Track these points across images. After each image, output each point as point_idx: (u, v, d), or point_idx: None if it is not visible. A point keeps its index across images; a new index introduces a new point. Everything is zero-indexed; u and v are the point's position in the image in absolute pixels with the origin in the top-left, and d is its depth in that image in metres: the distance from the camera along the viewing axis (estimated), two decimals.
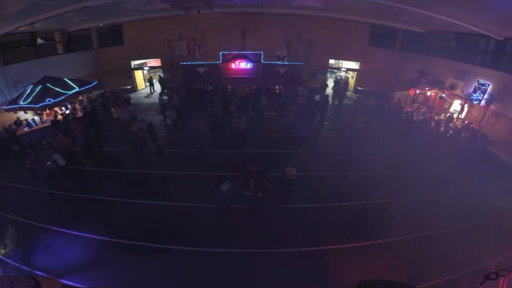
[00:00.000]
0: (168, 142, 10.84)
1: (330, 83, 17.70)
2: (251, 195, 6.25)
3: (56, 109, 12.08)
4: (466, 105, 11.44)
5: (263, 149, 9.88)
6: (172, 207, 7.09)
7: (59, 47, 14.56)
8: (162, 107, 12.31)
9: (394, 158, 9.17)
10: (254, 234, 6.20)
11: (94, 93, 14.72)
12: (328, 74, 19.48)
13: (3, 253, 5.50)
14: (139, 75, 18.59)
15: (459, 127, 11.10)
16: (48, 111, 11.54)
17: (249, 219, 6.59)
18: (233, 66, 14.56)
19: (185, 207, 7.05)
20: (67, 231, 6.33)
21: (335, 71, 19.63)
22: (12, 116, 10.86)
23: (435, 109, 13.22)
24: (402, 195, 7.60)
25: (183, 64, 14.93)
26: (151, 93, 18.03)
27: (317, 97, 12.92)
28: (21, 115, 11.33)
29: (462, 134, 10.59)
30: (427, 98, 13.77)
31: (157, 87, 18.01)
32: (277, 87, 15.96)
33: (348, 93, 16.50)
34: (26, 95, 10.35)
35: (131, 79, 18.04)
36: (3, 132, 9.90)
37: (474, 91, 11.03)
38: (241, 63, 14.53)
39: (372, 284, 4.41)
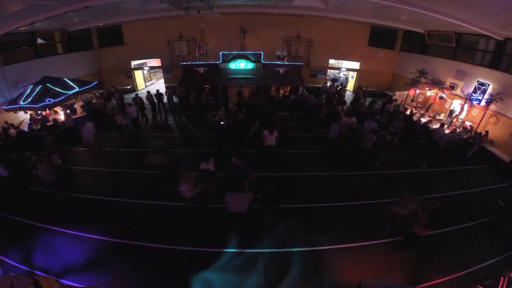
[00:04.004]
0: None
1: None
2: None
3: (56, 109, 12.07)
4: (466, 105, 11.43)
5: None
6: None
7: (59, 47, 14.56)
8: None
9: None
10: (253, 234, 6.21)
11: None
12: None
13: None
14: (139, 75, 18.59)
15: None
16: (48, 111, 11.53)
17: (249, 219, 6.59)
18: (233, 66, 14.57)
19: None
20: (66, 231, 6.35)
21: (337, 71, 19.55)
22: (11, 116, 10.86)
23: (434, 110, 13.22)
24: None
25: (183, 64, 14.94)
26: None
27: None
28: (21, 115, 11.34)
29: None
30: (427, 98, 13.78)
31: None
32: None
33: (348, 92, 16.43)
34: (26, 95, 10.34)
35: (131, 79, 18.05)
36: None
37: (474, 91, 11.03)
38: (241, 63, 14.53)
39: (372, 284, 4.42)
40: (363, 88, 15.08)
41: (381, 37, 16.83)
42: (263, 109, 11.78)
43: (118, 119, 10.73)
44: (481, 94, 10.75)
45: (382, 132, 8.75)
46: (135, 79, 18.21)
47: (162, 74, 18.72)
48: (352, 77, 18.69)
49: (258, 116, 10.30)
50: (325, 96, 14.77)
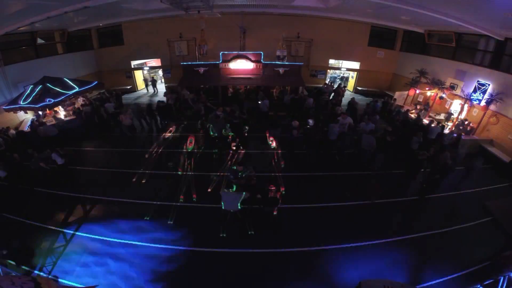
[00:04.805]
0: None
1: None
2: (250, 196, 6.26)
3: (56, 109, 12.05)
4: (466, 105, 11.42)
5: None
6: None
7: (59, 47, 14.55)
8: None
9: None
10: (253, 234, 6.21)
11: (94, 93, 14.69)
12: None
13: None
14: (139, 75, 18.58)
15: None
16: (48, 111, 11.53)
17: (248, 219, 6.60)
18: (233, 66, 14.57)
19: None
20: (66, 230, 6.35)
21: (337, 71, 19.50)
22: (11, 116, 10.86)
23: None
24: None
25: (183, 64, 14.94)
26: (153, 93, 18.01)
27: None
28: (21, 115, 11.34)
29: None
30: (427, 98, 13.77)
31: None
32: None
33: (348, 92, 16.37)
34: (26, 95, 10.33)
35: (131, 79, 18.04)
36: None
37: (474, 91, 11.02)
38: (241, 63, 14.53)
39: (372, 284, 4.42)
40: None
41: (381, 37, 16.82)
42: (262, 109, 11.80)
43: (122, 118, 10.85)
44: (481, 94, 10.74)
45: (379, 133, 8.76)
46: (135, 79, 18.20)
47: (162, 74, 18.71)
48: (352, 77, 18.69)
49: (258, 117, 10.31)
50: (325, 97, 14.68)
